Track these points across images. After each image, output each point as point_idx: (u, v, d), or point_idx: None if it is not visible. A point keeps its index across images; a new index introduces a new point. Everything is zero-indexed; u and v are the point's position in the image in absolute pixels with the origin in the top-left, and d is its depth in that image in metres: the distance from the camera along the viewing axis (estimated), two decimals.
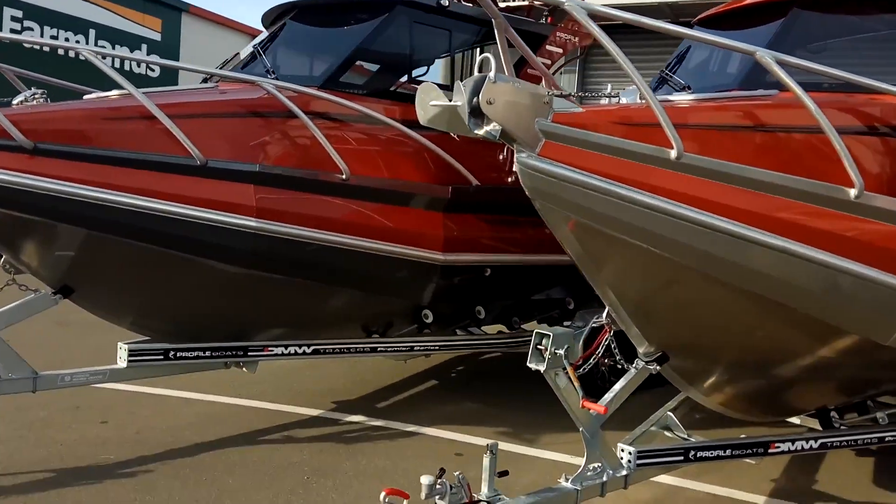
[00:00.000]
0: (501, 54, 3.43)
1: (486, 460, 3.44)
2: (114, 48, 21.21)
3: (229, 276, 4.81)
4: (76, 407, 5.76)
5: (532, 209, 6.20)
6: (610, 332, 3.73)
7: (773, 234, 3.21)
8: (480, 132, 3.02)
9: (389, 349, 5.83)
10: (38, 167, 4.15)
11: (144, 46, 22.63)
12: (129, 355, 4.94)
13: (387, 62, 5.68)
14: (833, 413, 4.70)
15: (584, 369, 3.67)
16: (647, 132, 3.20)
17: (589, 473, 3.74)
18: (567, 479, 3.67)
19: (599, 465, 3.78)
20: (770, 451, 4.18)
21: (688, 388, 4.16)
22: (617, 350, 3.81)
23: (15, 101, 4.42)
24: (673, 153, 3.12)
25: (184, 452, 5.04)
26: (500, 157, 5.93)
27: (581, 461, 3.84)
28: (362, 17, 5.44)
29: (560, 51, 6.33)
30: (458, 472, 3.38)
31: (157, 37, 23.14)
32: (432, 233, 5.33)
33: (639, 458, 3.86)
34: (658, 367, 3.85)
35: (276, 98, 4.65)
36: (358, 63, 5.42)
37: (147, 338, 5.18)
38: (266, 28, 6.46)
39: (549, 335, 3.42)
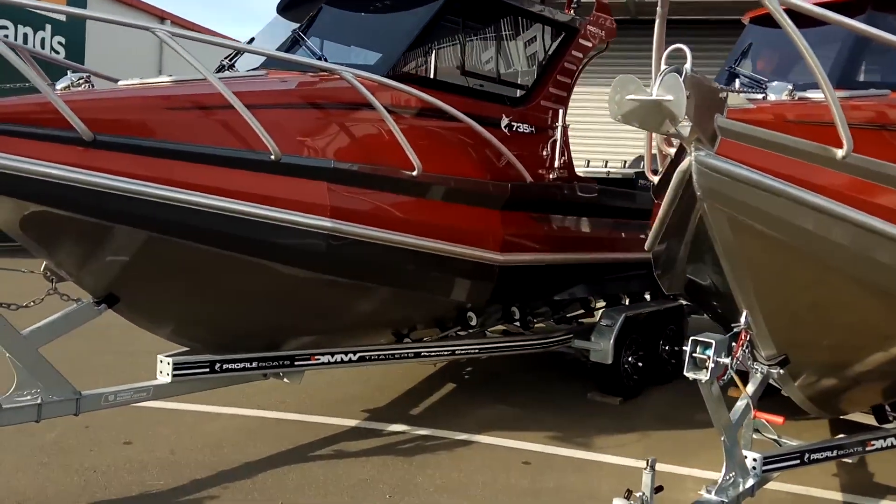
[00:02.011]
0: (657, 46, 3.29)
1: (646, 477, 3.29)
2: (16, 28, 19.54)
3: (295, 280, 4.43)
4: (85, 427, 5.16)
5: (582, 207, 6.14)
6: (747, 336, 3.64)
7: None
8: (673, 129, 2.87)
9: (433, 354, 5.59)
10: (98, 161, 3.64)
11: (49, 27, 20.98)
12: (174, 369, 4.47)
13: (445, 50, 5.39)
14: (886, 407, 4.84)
15: (727, 377, 3.57)
16: (819, 131, 3.14)
17: (724, 484, 3.65)
18: (710, 492, 3.55)
19: (734, 473, 3.70)
20: (867, 448, 4.24)
21: (791, 388, 4.14)
22: (751, 354, 3.73)
23: (59, 86, 3.86)
24: (840, 152, 3.07)
25: (237, 473, 4.62)
26: (545, 153, 5.76)
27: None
28: (417, 1, 5.12)
29: (590, 45, 6.24)
30: (639, 493, 3.21)
31: (62, 17, 21.48)
32: (491, 232, 5.12)
33: (764, 463, 3.80)
34: (781, 371, 3.81)
35: (352, 88, 4.27)
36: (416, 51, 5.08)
37: (186, 349, 4.73)
38: (281, 13, 6.04)
39: (711, 343, 3.29)
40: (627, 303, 7.18)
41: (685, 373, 3.38)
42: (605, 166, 8.76)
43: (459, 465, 4.90)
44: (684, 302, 7.49)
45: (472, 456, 5.09)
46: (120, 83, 4.39)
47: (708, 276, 3.98)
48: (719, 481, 3.61)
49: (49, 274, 4.20)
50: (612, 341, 6.29)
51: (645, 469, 3.32)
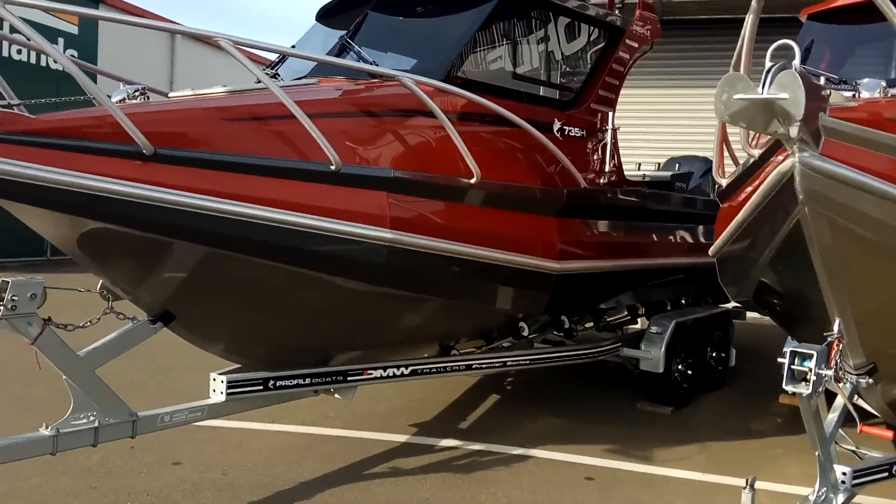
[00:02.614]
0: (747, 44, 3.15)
1: (745, 496, 3.12)
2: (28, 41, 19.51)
3: (353, 293, 4.28)
4: (130, 447, 5.00)
5: (633, 212, 5.99)
6: (839, 346, 3.47)
7: None
8: (782, 129, 2.72)
9: (484, 366, 5.44)
10: (158, 176, 3.50)
11: (61, 40, 20.92)
12: (228, 387, 4.32)
13: (495, 53, 5.24)
14: None
15: (823, 389, 3.40)
16: None
17: (817, 500, 3.49)
18: None
19: (825, 489, 3.53)
20: None
21: (874, 395, 3.98)
22: (842, 363, 3.57)
23: (115, 98, 3.72)
24: None
25: (295, 494, 4.47)
26: (596, 157, 5.61)
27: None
28: (468, 3, 4.97)
29: (636, 45, 6.09)
30: None
31: (73, 30, 21.42)
32: (547, 240, 4.96)
33: (854, 477, 3.64)
34: (871, 380, 3.65)
35: (412, 94, 4.13)
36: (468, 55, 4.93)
37: (238, 365, 4.59)
38: (320, 20, 5.90)
39: (813, 354, 3.12)
40: (669, 308, 7.01)
41: (784, 386, 3.20)
42: (639, 169, 8.59)
43: (520, 482, 4.74)
44: (731, 307, 7.35)
45: (531, 472, 4.92)
46: (171, 95, 4.26)
47: (791, 283, 3.83)
48: (812, 498, 3.44)
49: (105, 292, 4.06)
50: (663, 349, 6.13)
51: (745, 489, 3.15)
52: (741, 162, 4.00)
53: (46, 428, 3.71)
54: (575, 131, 5.39)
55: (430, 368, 5.15)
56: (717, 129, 4.91)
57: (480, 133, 4.57)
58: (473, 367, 5.35)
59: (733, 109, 2.67)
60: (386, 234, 4.09)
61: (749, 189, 3.68)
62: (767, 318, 5.02)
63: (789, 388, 3.19)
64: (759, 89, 2.59)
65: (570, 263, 5.09)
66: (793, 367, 3.16)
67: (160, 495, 4.37)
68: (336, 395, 4.94)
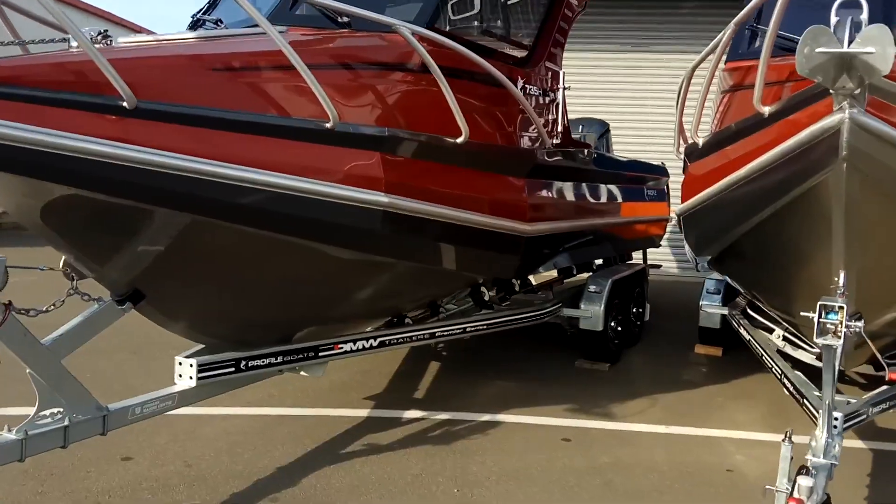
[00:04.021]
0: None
1: (784, 449, 3.21)
2: None
3: (340, 262, 3.97)
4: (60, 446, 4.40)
5: (584, 173, 6.00)
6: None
7: None
8: (852, 84, 2.74)
9: (446, 334, 5.29)
10: (141, 134, 3.00)
11: None
12: (199, 371, 3.89)
13: (463, 7, 4.94)
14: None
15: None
16: None
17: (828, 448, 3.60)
18: (817, 456, 3.49)
19: (828, 437, 3.67)
20: None
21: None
22: None
23: (75, 43, 3.13)
24: None
25: (278, 481, 4.14)
26: (550, 116, 5.53)
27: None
28: None
29: (577, 3, 6.05)
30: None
31: None
32: (519, 202, 4.86)
33: (844, 421, 3.83)
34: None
35: (400, 46, 3.83)
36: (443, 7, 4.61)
37: (200, 346, 4.14)
38: None
39: (844, 307, 3.25)
40: (595, 268, 7.19)
41: (815, 339, 3.32)
42: None
43: (505, 448, 4.68)
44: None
45: (510, 437, 4.87)
46: (122, 40, 3.66)
47: (780, 242, 3.96)
48: (822, 445, 3.58)
49: (69, 270, 3.47)
50: (602, 307, 6.28)
51: (784, 441, 3.25)
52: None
53: (11, 431, 3.14)
54: (533, 90, 5.29)
55: (398, 339, 4.95)
56: (681, 93, 5.03)
57: (464, 90, 4.33)
58: (437, 335, 5.19)
59: (814, 63, 2.65)
60: (382, 197, 3.80)
61: (749, 147, 3.76)
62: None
63: (820, 341, 3.30)
64: (843, 44, 2.59)
65: (538, 225, 5.03)
66: (822, 320, 3.28)
67: (124, 495, 3.89)
68: (302, 373, 4.61)
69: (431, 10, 4.37)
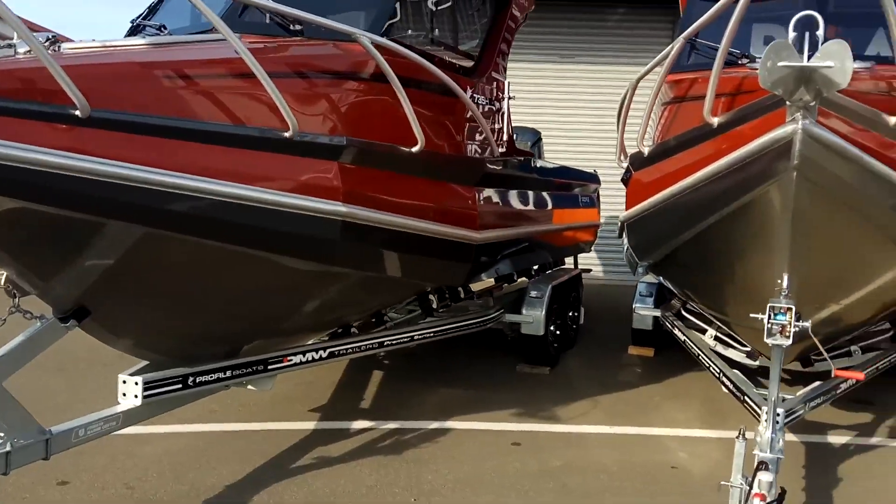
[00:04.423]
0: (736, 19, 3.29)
1: (738, 445, 3.35)
2: None
3: (295, 273, 3.88)
4: None
5: (528, 181, 6.08)
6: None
7: None
8: (808, 96, 2.88)
9: (395, 343, 5.26)
10: (94, 144, 2.86)
11: None
12: (145, 388, 3.74)
13: (412, 17, 4.92)
14: None
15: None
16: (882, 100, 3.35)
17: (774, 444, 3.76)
18: (764, 451, 3.64)
19: (773, 432, 3.83)
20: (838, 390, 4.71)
21: None
22: None
23: (22, 50, 2.94)
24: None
25: (231, 500, 4.00)
26: (497, 125, 5.58)
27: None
28: None
29: (520, 15, 6.13)
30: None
31: None
32: (470, 210, 4.88)
33: (785, 416, 4.00)
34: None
35: (356, 54, 3.79)
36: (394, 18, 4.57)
37: (146, 363, 3.98)
38: None
39: (791, 308, 3.40)
40: (533, 274, 7.30)
41: (766, 339, 3.46)
42: None
43: (457, 456, 4.68)
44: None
45: (461, 444, 4.88)
46: (66, 47, 3.47)
47: (722, 248, 4.11)
48: (767, 440, 3.74)
49: (10, 287, 3.25)
50: (543, 312, 6.38)
51: (738, 438, 3.39)
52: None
53: None
54: (481, 99, 5.33)
55: (348, 349, 4.89)
56: (624, 104, 5.17)
57: (418, 99, 4.31)
58: (385, 343, 5.16)
59: (776, 76, 2.77)
60: (340, 207, 3.74)
61: (697, 156, 3.90)
62: None
63: (770, 342, 3.46)
64: (803, 58, 2.71)
65: (487, 233, 5.05)
66: (772, 321, 3.44)
67: None
68: (250, 387, 4.48)
69: (385, 20, 4.34)
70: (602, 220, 9.02)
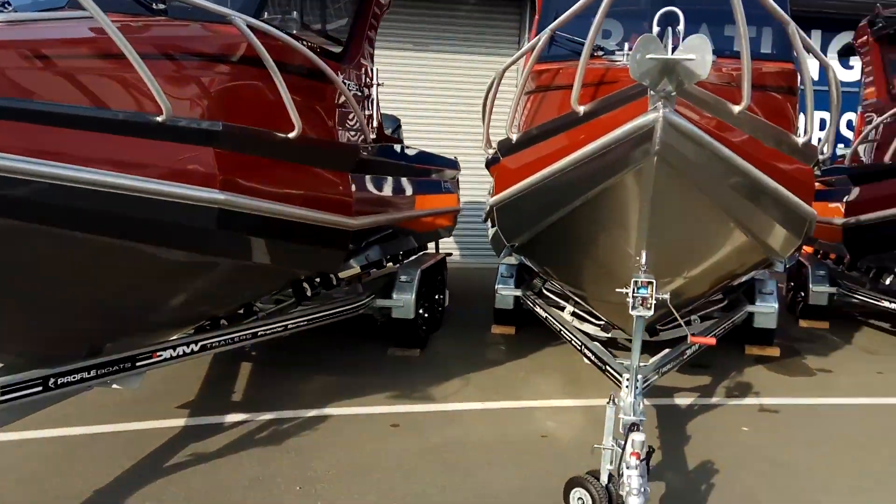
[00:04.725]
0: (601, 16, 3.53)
1: (609, 410, 3.61)
2: None
3: (168, 265, 3.74)
4: None
5: (399, 168, 6.14)
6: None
7: None
8: (671, 86, 3.14)
9: (269, 332, 5.17)
10: None
11: None
12: (1, 393, 3.48)
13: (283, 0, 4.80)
14: None
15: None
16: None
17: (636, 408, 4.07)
18: (628, 414, 3.94)
19: (635, 396, 4.17)
20: (685, 356, 5.19)
21: None
22: None
23: None
24: (738, 108, 3.67)
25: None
26: (367, 112, 5.59)
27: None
28: None
29: (385, 1, 6.15)
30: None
31: None
32: (346, 196, 4.87)
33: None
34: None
35: (240, 37, 3.69)
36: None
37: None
38: None
39: (652, 282, 3.71)
40: (400, 259, 7.41)
41: (631, 311, 3.75)
42: None
43: (338, 442, 4.70)
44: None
45: (341, 430, 4.90)
46: None
47: (585, 229, 4.39)
48: (630, 404, 4.05)
49: None
50: (413, 296, 6.50)
51: (608, 404, 3.66)
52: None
53: None
54: (351, 85, 5.31)
55: (221, 342, 4.76)
56: (490, 92, 5.35)
57: (292, 84, 4.24)
58: (259, 334, 5.06)
59: (644, 68, 3.00)
60: (217, 195, 3.63)
61: (564, 143, 4.13)
62: None
63: (635, 314, 3.75)
64: (668, 51, 2.95)
65: (361, 219, 5.07)
66: (635, 295, 3.73)
67: None
68: (115, 386, 4.26)
69: (257, 2, 4.22)
70: (461, 206, 9.28)
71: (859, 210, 7.47)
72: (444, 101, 12.57)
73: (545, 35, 4.12)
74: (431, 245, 9.24)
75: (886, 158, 6.96)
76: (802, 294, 8.73)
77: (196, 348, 4.56)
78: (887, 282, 7.62)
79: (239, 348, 5.96)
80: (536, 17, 6.39)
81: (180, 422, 4.96)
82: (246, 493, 3.99)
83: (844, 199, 7.86)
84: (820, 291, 8.42)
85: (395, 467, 4.34)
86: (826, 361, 7.07)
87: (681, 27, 3.03)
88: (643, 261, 3.95)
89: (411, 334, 6.70)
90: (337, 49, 5.32)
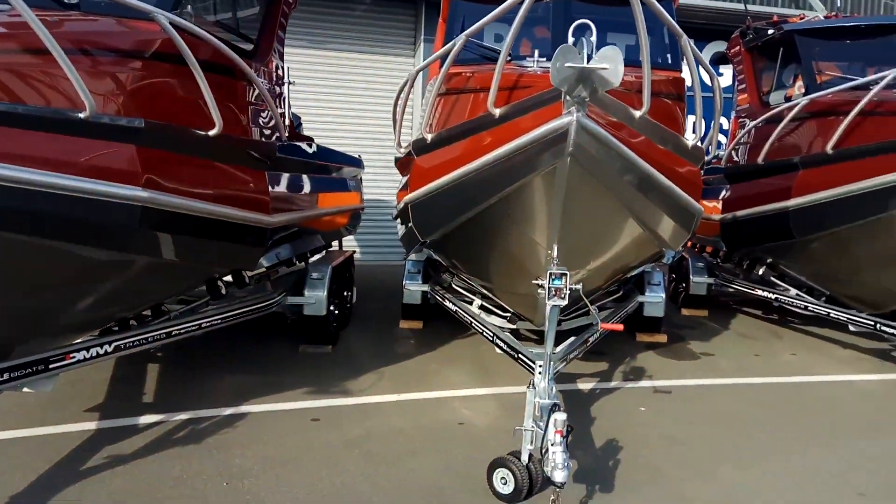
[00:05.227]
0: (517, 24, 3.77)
1: (530, 394, 3.85)
2: None
3: (89, 264, 3.68)
4: None
5: (312, 166, 6.20)
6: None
7: None
8: (585, 92, 3.40)
9: (183, 332, 5.12)
10: None
11: None
12: None
13: None
14: None
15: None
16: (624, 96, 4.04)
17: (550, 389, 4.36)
18: (545, 398, 4.21)
19: (549, 381, 4.44)
20: (590, 342, 5.54)
21: None
22: None
23: None
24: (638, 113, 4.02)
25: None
26: (280, 110, 5.61)
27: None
28: None
29: (293, 1, 6.17)
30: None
31: None
32: (263, 194, 4.89)
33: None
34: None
35: (161, 34, 3.67)
36: None
37: None
38: None
39: (566, 273, 3.97)
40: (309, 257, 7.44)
41: (547, 301, 4.00)
42: None
43: (260, 438, 4.73)
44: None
45: (261, 426, 4.92)
46: None
47: (495, 223, 4.62)
48: (544, 388, 4.31)
49: None
50: (325, 293, 6.56)
51: (528, 388, 3.91)
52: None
53: None
54: (264, 83, 5.32)
55: (135, 342, 4.69)
56: (402, 93, 5.51)
57: (211, 82, 4.23)
58: (173, 333, 5.00)
59: (563, 76, 3.24)
60: (140, 192, 3.61)
61: (480, 143, 4.35)
62: None
63: (550, 304, 4.01)
64: (584, 61, 3.21)
65: (277, 217, 5.10)
66: (550, 285, 4.00)
67: None
68: (25, 390, 4.13)
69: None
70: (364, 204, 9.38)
71: (735, 207, 8.14)
72: (340, 100, 12.63)
73: (461, 40, 4.31)
74: (335, 244, 9.30)
75: (759, 160, 7.63)
76: (684, 285, 9.41)
77: (110, 349, 4.48)
78: (759, 272, 8.34)
79: (144, 351, 5.91)
80: (441, 21, 6.62)
81: (92, 425, 4.84)
82: (171, 492, 3.97)
83: (720, 197, 8.54)
84: (699, 282, 9.12)
85: (320, 459, 4.43)
86: (708, 346, 7.69)
87: (593, 38, 3.30)
88: (555, 254, 4.24)
89: (323, 331, 6.76)
90: (248, 46, 5.32)
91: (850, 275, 7.04)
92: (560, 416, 3.70)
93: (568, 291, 3.98)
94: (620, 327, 4.55)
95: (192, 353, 6.51)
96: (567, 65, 3.19)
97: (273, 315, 6.76)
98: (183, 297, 5.78)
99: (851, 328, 7.25)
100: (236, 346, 6.84)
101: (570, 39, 3.36)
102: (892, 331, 6.70)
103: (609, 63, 3.16)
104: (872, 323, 6.87)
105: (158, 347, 6.51)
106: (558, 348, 5.27)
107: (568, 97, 3.46)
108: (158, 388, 5.66)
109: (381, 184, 12.42)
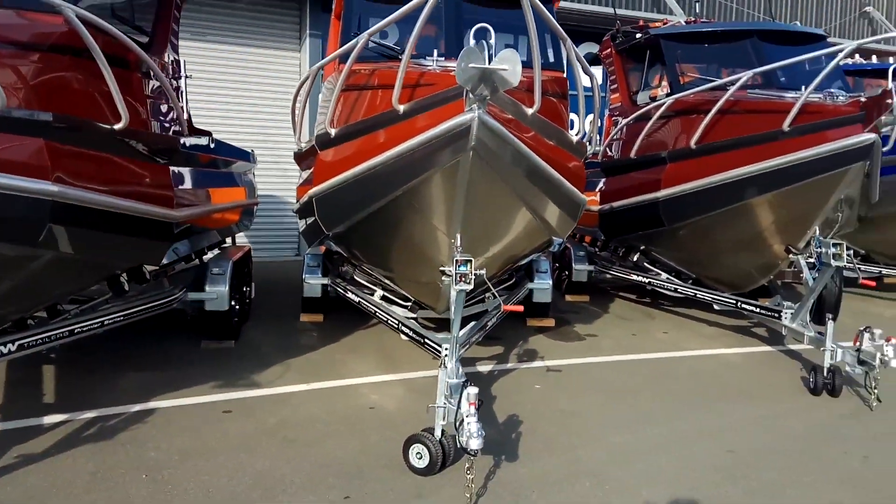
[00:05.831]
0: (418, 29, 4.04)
1: (472, 389, 4.07)
2: None
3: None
4: None
5: (213, 161, 6.21)
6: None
7: None
8: (486, 91, 3.71)
9: (86, 329, 5.06)
10: None
11: None
12: None
13: None
14: None
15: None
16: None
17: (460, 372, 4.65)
18: (461, 378, 4.51)
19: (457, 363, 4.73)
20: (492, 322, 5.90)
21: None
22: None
23: None
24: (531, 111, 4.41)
25: None
26: (178, 103, 5.59)
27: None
28: None
29: None
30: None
31: None
32: (167, 188, 4.91)
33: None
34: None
35: (66, 27, 3.66)
36: None
37: None
38: None
39: (471, 260, 4.28)
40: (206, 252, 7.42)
41: (454, 286, 4.29)
42: None
43: (173, 431, 4.76)
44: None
45: (173, 420, 4.95)
46: None
47: (399, 215, 4.87)
48: (454, 369, 4.60)
49: None
50: (227, 288, 6.59)
51: (441, 367, 4.19)
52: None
53: None
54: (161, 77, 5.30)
55: (36, 341, 4.61)
56: (301, 88, 5.65)
57: (115, 75, 4.22)
58: (76, 331, 4.93)
59: (467, 76, 3.53)
60: (51, 187, 3.61)
61: (384, 138, 4.59)
62: None
63: (457, 288, 4.30)
64: (486, 62, 3.50)
65: (181, 211, 5.12)
66: (456, 272, 4.29)
67: None
68: None
69: None
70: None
71: (611, 198, 8.79)
72: (225, 93, 12.47)
73: (364, 38, 4.51)
74: (228, 240, 9.24)
75: (632, 155, 8.28)
76: (567, 273, 10.03)
77: (13, 348, 4.40)
78: (634, 258, 9.05)
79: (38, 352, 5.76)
80: (334, 18, 6.80)
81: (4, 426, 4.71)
82: (90, 487, 3.98)
83: (598, 190, 9.18)
84: (581, 270, 9.73)
85: (238, 447, 4.54)
86: (591, 328, 8.28)
87: (493, 41, 3.61)
88: (458, 242, 4.55)
89: (225, 326, 6.77)
90: (143, 39, 5.29)
91: (713, 258, 7.81)
92: (472, 390, 4.01)
93: (473, 276, 4.29)
94: (520, 308, 4.93)
95: (90, 352, 6.37)
96: (471, 65, 3.48)
97: (172, 312, 6.72)
98: (78, 296, 5.67)
99: (716, 307, 8.04)
100: (136, 344, 6.74)
101: (472, 41, 3.66)
102: (751, 308, 7.49)
103: (508, 64, 3.48)
104: (734, 302, 7.65)
105: (51, 350, 6.32)
106: (461, 332, 5.60)
107: (470, 95, 3.76)
108: (60, 389, 5.53)
109: (270, 179, 12.37)
